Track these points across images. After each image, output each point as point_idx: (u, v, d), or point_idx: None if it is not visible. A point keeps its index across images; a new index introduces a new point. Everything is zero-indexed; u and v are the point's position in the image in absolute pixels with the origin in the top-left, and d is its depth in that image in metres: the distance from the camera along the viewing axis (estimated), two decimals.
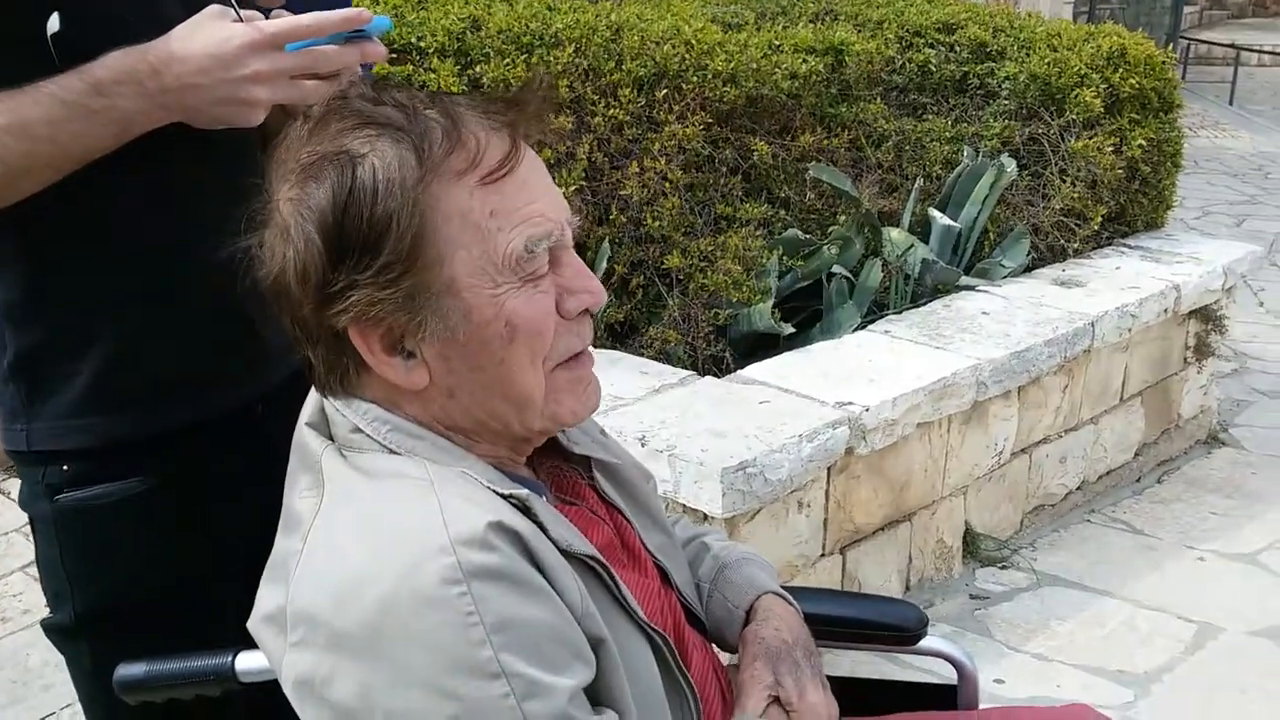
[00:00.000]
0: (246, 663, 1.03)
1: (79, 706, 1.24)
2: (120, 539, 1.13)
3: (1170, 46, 4.11)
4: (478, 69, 2.97)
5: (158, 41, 1.00)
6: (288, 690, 0.85)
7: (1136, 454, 3.47)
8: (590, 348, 0.97)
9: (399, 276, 0.85)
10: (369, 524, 0.85)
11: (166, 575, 1.15)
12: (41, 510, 1.13)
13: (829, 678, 1.11)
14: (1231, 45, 12.38)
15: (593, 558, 0.92)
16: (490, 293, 0.87)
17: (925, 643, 1.30)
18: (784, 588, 1.21)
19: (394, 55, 3.00)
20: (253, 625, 0.90)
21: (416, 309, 0.86)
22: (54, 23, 0.99)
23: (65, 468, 1.11)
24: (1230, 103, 11.16)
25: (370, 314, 0.85)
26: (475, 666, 0.78)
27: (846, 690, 1.14)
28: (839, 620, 1.31)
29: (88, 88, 0.98)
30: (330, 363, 0.91)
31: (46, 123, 0.97)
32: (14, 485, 1.16)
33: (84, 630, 1.15)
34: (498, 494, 0.88)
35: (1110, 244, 3.69)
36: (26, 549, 2.77)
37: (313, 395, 0.97)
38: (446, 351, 0.88)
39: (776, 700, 1.05)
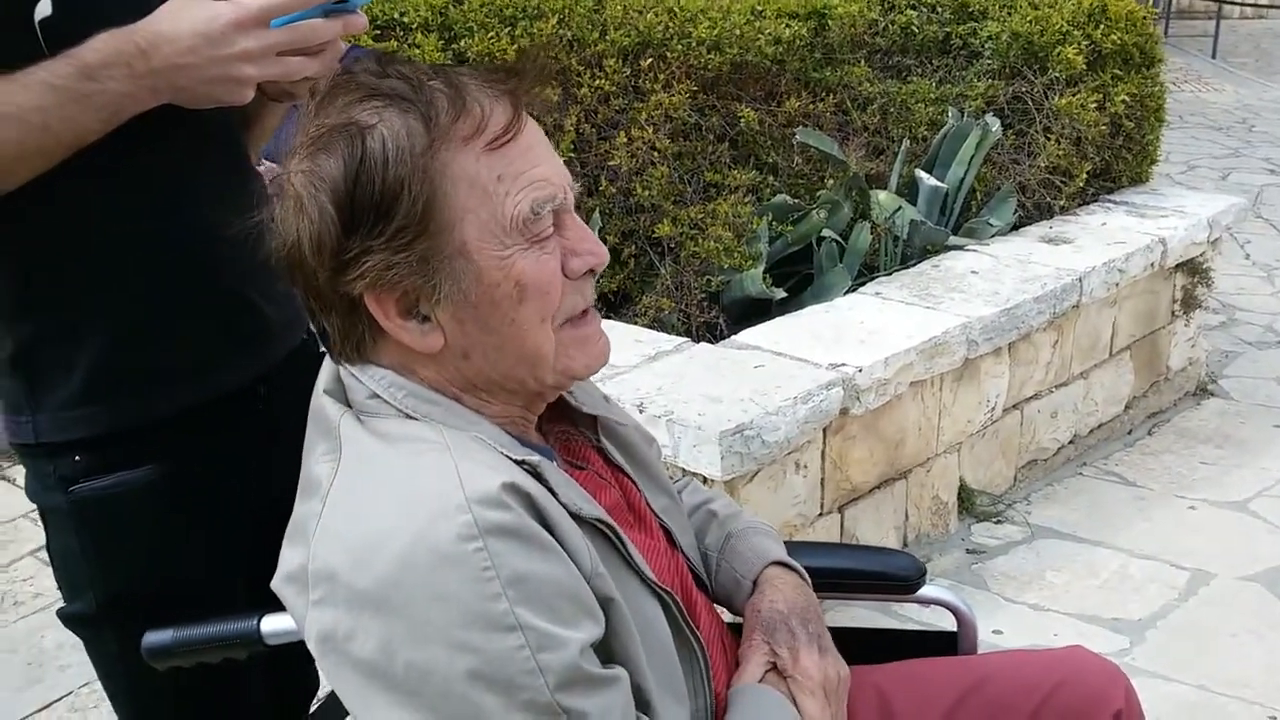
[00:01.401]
0: (272, 625, 1.06)
1: (95, 686, 1.25)
2: (137, 526, 1.13)
3: (1151, 1, 4.12)
4: (462, 43, 2.97)
5: (144, 22, 1.00)
6: (311, 647, 0.88)
7: (1127, 407, 3.51)
8: (594, 309, 1.00)
9: (412, 240, 0.87)
10: (386, 485, 0.87)
11: (184, 558, 1.15)
12: (55, 502, 1.12)
13: (831, 629, 1.14)
14: None
15: (601, 520, 0.94)
16: (499, 254, 0.89)
17: (924, 591, 1.33)
18: (785, 543, 1.24)
19: (377, 31, 3.00)
20: (276, 585, 0.92)
21: (430, 272, 0.88)
22: (44, 7, 0.99)
23: (77, 459, 1.11)
24: (1213, 56, 11.16)
25: (385, 279, 0.88)
26: (492, 619, 0.81)
27: (849, 640, 1.17)
28: (840, 572, 1.35)
29: (77, 72, 0.97)
30: (345, 331, 0.93)
31: (38, 109, 0.96)
32: (18, 472, 1.16)
33: (106, 618, 1.15)
34: (510, 459, 0.91)
35: (1096, 200, 3.72)
36: (35, 533, 2.79)
37: (328, 363, 0.99)
38: (460, 314, 0.90)
39: (775, 668, 1.08)
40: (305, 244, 0.89)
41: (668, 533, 1.12)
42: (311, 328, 1.16)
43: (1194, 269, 3.64)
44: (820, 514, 2.51)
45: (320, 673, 0.91)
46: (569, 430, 1.09)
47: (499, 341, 0.92)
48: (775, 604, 1.13)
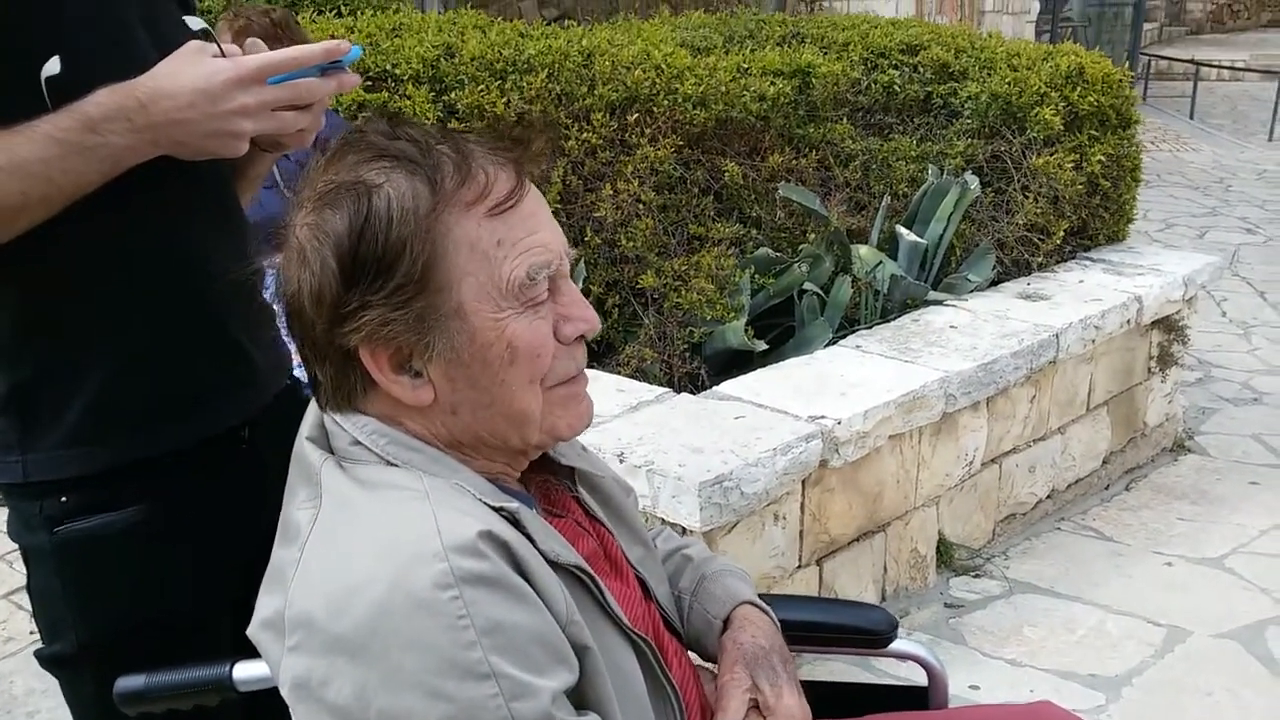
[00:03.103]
0: (244, 672, 1.06)
1: None
2: (121, 567, 1.14)
3: (1128, 63, 4.21)
4: (452, 95, 3.02)
5: (144, 78, 1.03)
6: (285, 693, 0.88)
7: (1104, 462, 3.54)
8: (584, 371, 1.02)
9: (411, 298, 0.89)
10: (365, 531, 0.88)
11: (167, 599, 1.16)
12: (38, 542, 1.13)
13: (803, 682, 1.15)
14: (1191, 61, 12.63)
15: (579, 568, 0.96)
16: (494, 316, 0.91)
17: (895, 645, 1.34)
18: (760, 595, 1.25)
19: (369, 82, 3.05)
20: (252, 631, 0.93)
21: (425, 330, 0.90)
22: (52, 65, 1.02)
23: (63, 499, 1.12)
24: (1191, 117, 11.39)
25: (381, 334, 0.90)
26: (466, 668, 0.82)
27: (820, 693, 1.18)
28: (812, 625, 1.36)
29: (79, 125, 1.00)
30: (338, 381, 0.95)
31: (41, 161, 0.99)
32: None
33: (86, 659, 1.15)
34: (489, 506, 0.92)
35: (1073, 257, 3.78)
36: (7, 575, 2.76)
37: (313, 410, 1.00)
38: (451, 371, 0.92)
39: (755, 705, 1.10)
40: (305, 294, 0.91)
41: (643, 583, 1.13)
42: (295, 373, 1.17)
43: (1170, 326, 3.70)
44: (799, 566, 2.51)
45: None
46: (549, 479, 1.11)
47: (488, 400, 0.94)
48: (757, 639, 1.15)
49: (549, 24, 4.33)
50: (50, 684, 1.22)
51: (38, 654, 1.19)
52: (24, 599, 1.22)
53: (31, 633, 1.20)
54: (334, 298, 0.89)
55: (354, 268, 0.89)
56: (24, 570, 1.18)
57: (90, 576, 1.14)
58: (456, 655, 0.82)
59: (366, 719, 0.83)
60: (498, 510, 0.92)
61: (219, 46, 1.08)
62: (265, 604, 0.92)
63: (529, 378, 0.94)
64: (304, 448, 0.97)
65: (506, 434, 0.96)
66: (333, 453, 0.96)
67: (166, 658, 1.10)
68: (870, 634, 1.34)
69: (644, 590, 1.13)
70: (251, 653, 0.99)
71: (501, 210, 0.92)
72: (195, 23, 1.17)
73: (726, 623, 1.19)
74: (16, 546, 1.19)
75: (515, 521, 0.92)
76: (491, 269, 0.91)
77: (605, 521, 1.12)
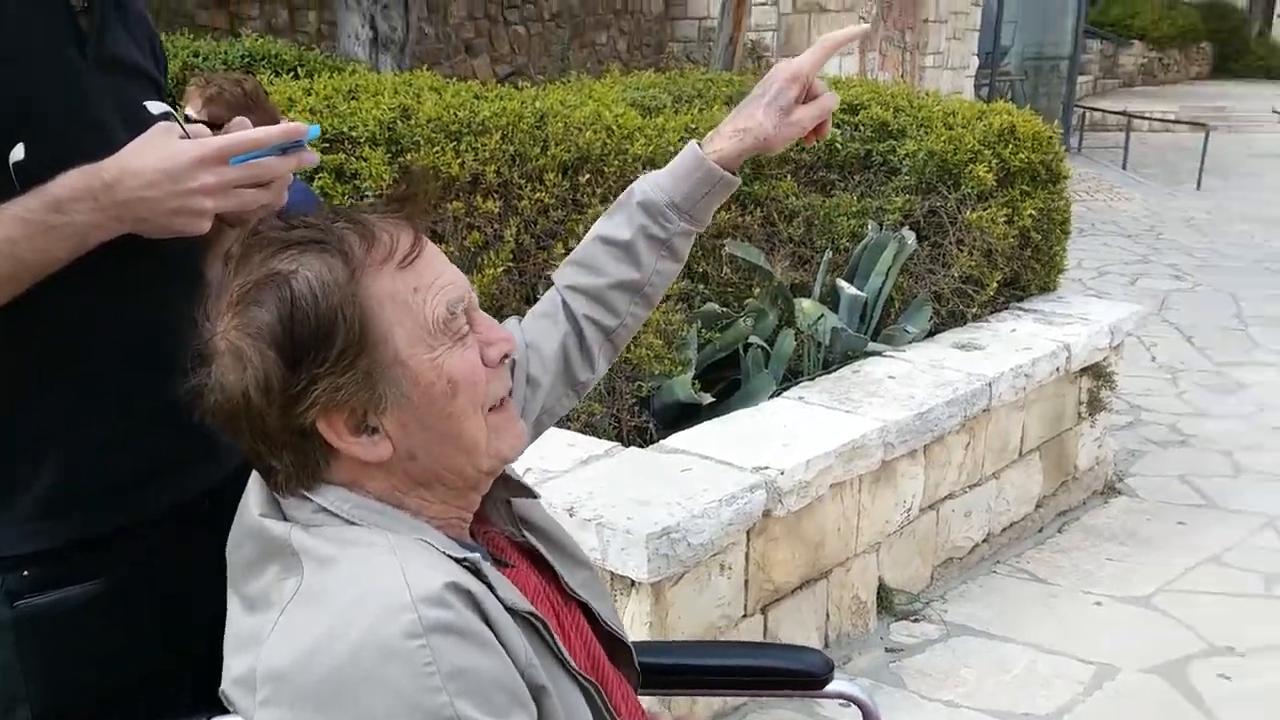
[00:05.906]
0: None
1: None
2: (82, 640, 1.15)
3: (1058, 122, 4.42)
4: (408, 156, 3.11)
5: (111, 159, 1.08)
6: None
7: (1037, 506, 3.68)
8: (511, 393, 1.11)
9: (355, 359, 0.97)
10: (337, 588, 0.95)
11: (126, 671, 1.18)
12: None
13: None
14: (1123, 113, 13.10)
15: (533, 614, 1.04)
16: (429, 357, 1.00)
17: (831, 687, 1.42)
18: (701, 644, 1.33)
19: (326, 144, 3.12)
20: (224, 690, 0.98)
21: (374, 383, 0.98)
22: (18, 152, 1.08)
23: (25, 573, 1.12)
24: (1124, 167, 11.79)
25: (335, 400, 0.96)
26: (431, 711, 0.89)
27: None
28: (752, 670, 1.45)
29: (45, 206, 1.05)
30: (300, 462, 1.00)
31: (8, 240, 1.04)
32: None
33: None
34: (452, 558, 1.00)
35: (1006, 308, 3.95)
36: None
37: (257, 487, 1.05)
38: (403, 418, 1.00)
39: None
40: (252, 390, 0.96)
41: (585, 608, 1.20)
42: None
43: (1098, 373, 3.87)
44: (744, 615, 2.60)
45: None
46: (490, 530, 1.18)
47: (439, 436, 1.02)
48: None
49: (500, 81, 4.45)
50: None
51: None
52: None
53: None
54: (282, 383, 0.95)
55: (294, 349, 0.95)
56: None
57: (49, 650, 1.15)
58: (422, 699, 0.89)
59: None
60: (460, 562, 0.99)
61: (183, 127, 1.15)
62: (236, 664, 0.97)
63: (472, 406, 1.02)
64: (262, 525, 1.01)
65: (462, 466, 1.04)
66: (291, 521, 1.01)
67: None
68: (807, 676, 1.42)
69: (587, 615, 1.20)
70: (220, 711, 1.05)
71: (409, 261, 1.01)
72: (157, 107, 1.21)
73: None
74: None
75: (477, 572, 1.00)
76: (415, 314, 1.00)
77: (545, 555, 1.19)
